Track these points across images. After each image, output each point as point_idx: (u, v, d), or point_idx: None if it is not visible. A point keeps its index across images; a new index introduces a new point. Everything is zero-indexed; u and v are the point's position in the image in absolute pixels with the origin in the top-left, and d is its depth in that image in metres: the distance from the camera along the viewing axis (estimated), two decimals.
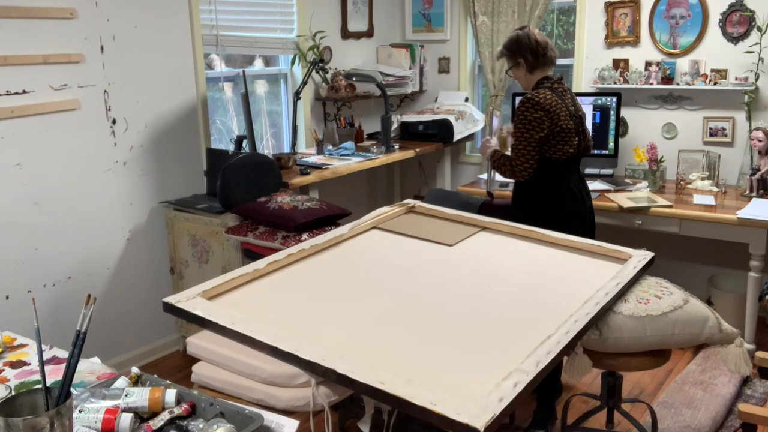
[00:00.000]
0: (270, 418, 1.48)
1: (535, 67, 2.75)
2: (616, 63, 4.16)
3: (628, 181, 4.01)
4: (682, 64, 3.96)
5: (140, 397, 1.48)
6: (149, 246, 3.54)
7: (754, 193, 3.60)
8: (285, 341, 1.61)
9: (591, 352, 2.04)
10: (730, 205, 3.49)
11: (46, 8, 2.95)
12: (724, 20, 3.81)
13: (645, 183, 3.90)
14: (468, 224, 2.63)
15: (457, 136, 4.46)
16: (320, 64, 4.12)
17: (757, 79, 3.73)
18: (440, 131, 4.45)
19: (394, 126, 4.58)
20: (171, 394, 1.50)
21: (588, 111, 4.07)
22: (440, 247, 2.39)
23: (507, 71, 2.89)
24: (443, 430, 1.39)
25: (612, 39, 4.16)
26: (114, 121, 3.29)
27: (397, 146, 4.34)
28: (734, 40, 3.81)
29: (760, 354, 2.54)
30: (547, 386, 2.82)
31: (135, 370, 1.64)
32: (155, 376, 1.65)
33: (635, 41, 4.10)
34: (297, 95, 4.05)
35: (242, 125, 3.73)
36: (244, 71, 3.70)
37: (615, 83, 4.12)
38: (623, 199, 3.58)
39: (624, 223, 3.60)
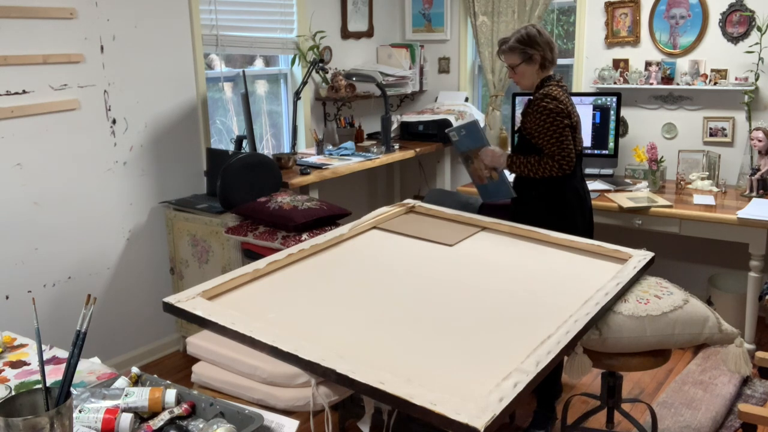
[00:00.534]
0: (270, 418, 1.48)
1: (546, 64, 2.73)
2: (616, 63, 4.16)
3: (628, 181, 4.01)
4: (682, 64, 3.96)
5: (140, 397, 1.48)
6: (149, 246, 3.54)
7: (754, 193, 3.60)
8: (285, 341, 1.61)
9: (591, 352, 2.04)
10: (730, 205, 3.49)
11: (46, 8, 2.95)
12: (724, 20, 3.81)
13: (645, 183, 3.90)
14: (468, 224, 2.63)
15: None
16: (320, 64, 4.12)
17: (757, 79, 3.73)
18: (440, 131, 4.45)
19: (394, 126, 4.58)
20: (171, 394, 1.50)
21: (588, 111, 4.07)
22: (440, 247, 2.39)
23: (514, 67, 2.74)
24: (443, 430, 1.39)
25: (612, 39, 4.16)
26: (114, 121, 3.29)
27: (397, 146, 4.34)
28: (734, 40, 3.81)
29: (760, 354, 2.54)
30: (547, 386, 2.82)
31: (135, 370, 1.64)
32: (155, 376, 1.65)
33: (635, 41, 4.10)
34: (297, 95, 4.05)
35: (242, 125, 3.73)
36: (244, 71, 3.70)
37: (615, 83, 4.12)
38: (623, 199, 3.58)
39: (624, 223, 3.60)
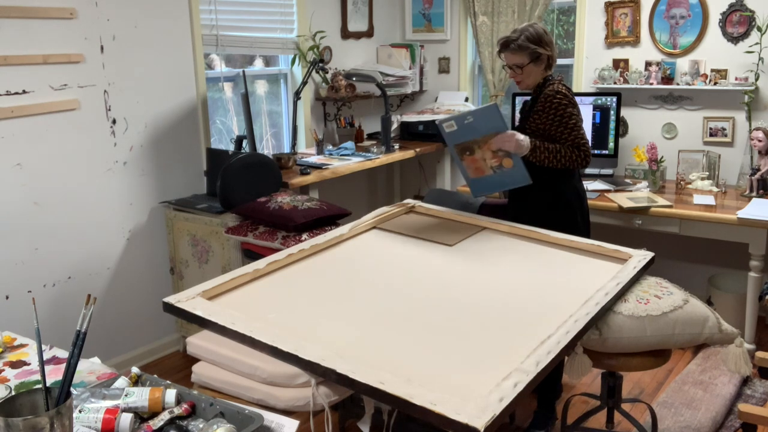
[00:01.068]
0: (270, 418, 1.48)
1: (551, 64, 2.69)
2: (616, 63, 4.16)
3: (628, 181, 4.01)
4: (682, 64, 3.96)
5: (140, 397, 1.48)
6: (149, 246, 3.54)
7: (754, 193, 3.60)
8: (285, 341, 1.61)
9: (591, 352, 2.04)
10: (730, 205, 3.48)
11: (46, 8, 2.95)
12: (724, 20, 3.81)
13: (645, 183, 3.90)
14: (468, 224, 2.63)
15: None
16: (320, 64, 4.12)
17: (757, 79, 3.73)
18: (440, 131, 4.44)
19: (394, 126, 4.58)
20: (171, 394, 1.50)
21: (588, 111, 4.07)
22: (440, 247, 2.39)
23: (522, 67, 2.65)
24: (443, 430, 1.39)
25: (612, 39, 4.16)
26: (114, 121, 3.29)
27: (397, 146, 4.34)
28: (734, 40, 3.81)
29: (760, 354, 2.54)
30: (547, 387, 2.82)
31: (135, 370, 1.64)
32: (155, 376, 1.65)
33: (635, 41, 4.10)
34: (297, 95, 4.05)
35: (242, 125, 3.73)
36: (244, 71, 3.70)
37: (615, 83, 4.12)
38: (623, 199, 3.58)
39: (624, 223, 3.60)
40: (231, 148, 3.74)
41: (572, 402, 2.83)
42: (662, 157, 3.88)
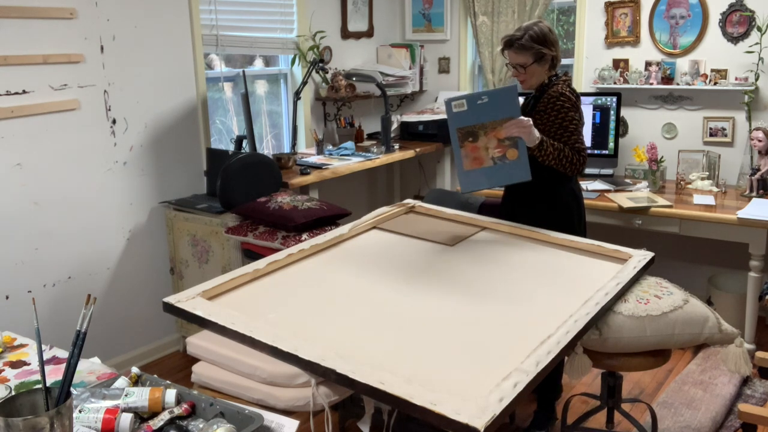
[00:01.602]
0: (270, 418, 1.48)
1: (555, 63, 2.62)
2: (616, 63, 4.16)
3: (628, 181, 4.01)
4: (682, 64, 3.96)
5: (140, 397, 1.48)
6: (149, 246, 3.54)
7: (754, 193, 3.60)
8: (285, 341, 1.61)
9: (591, 352, 2.04)
10: (730, 205, 3.48)
11: (46, 8, 2.95)
12: (724, 20, 3.81)
13: (645, 183, 3.90)
14: (468, 224, 2.63)
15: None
16: (320, 64, 4.12)
17: (757, 79, 3.73)
18: (440, 131, 4.45)
19: (394, 126, 4.58)
20: (171, 394, 1.50)
21: (588, 111, 4.07)
22: (440, 247, 2.39)
23: (525, 66, 2.59)
24: (443, 430, 1.39)
25: (612, 39, 4.16)
26: (114, 121, 3.29)
27: (397, 146, 4.34)
28: (734, 40, 3.81)
29: (760, 354, 2.54)
30: (547, 386, 2.82)
31: (135, 370, 1.64)
32: (155, 376, 1.65)
33: (635, 41, 4.10)
34: (297, 95, 4.05)
35: (242, 125, 3.73)
36: (244, 71, 3.70)
37: (615, 83, 4.12)
38: (623, 199, 3.58)
39: (624, 223, 3.60)
40: (231, 148, 3.74)
41: (572, 402, 2.83)
42: (662, 157, 3.88)
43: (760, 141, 3.55)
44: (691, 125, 4.02)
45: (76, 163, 3.16)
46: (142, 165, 3.44)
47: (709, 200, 3.56)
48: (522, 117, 2.42)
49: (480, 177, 2.49)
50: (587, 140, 4.03)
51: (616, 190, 3.80)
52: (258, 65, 4.30)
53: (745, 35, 3.76)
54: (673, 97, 4.05)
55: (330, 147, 4.21)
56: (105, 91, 3.23)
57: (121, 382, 1.60)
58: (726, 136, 3.91)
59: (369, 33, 4.84)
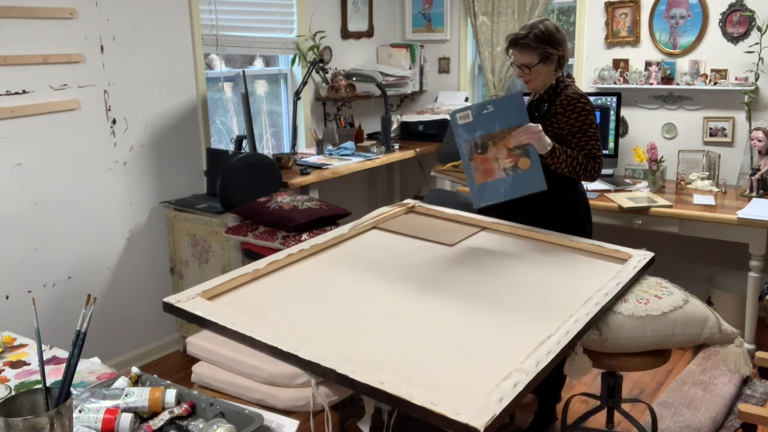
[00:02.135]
0: (270, 418, 1.48)
1: (562, 63, 2.53)
2: (616, 63, 4.16)
3: (628, 181, 4.01)
4: (682, 64, 3.96)
5: (140, 397, 1.48)
6: (149, 246, 3.54)
7: (754, 193, 3.60)
8: (285, 341, 1.61)
9: (591, 352, 2.04)
10: (730, 205, 3.48)
11: (46, 8, 2.95)
12: (724, 20, 3.81)
13: (645, 183, 3.90)
14: (468, 224, 2.63)
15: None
16: (320, 64, 4.12)
17: (757, 79, 3.73)
18: (440, 131, 4.45)
19: (394, 126, 4.58)
20: (171, 394, 1.50)
21: None
22: (440, 247, 2.39)
23: (530, 67, 2.48)
24: (443, 430, 1.39)
25: (612, 39, 4.16)
26: (114, 121, 3.29)
27: (397, 146, 4.35)
28: (734, 40, 3.81)
29: (760, 354, 2.54)
30: (548, 387, 2.81)
31: (135, 370, 1.64)
32: (155, 376, 1.65)
33: (635, 41, 4.10)
34: (297, 95, 4.05)
35: (242, 125, 3.73)
36: (244, 71, 3.70)
37: (615, 83, 4.12)
38: (623, 199, 3.58)
39: (624, 223, 3.60)
40: (231, 148, 3.74)
41: (572, 402, 2.83)
42: (662, 157, 3.88)
43: (760, 141, 3.55)
44: (691, 125, 4.02)
45: (76, 163, 3.16)
46: (142, 165, 3.44)
47: (709, 200, 3.56)
48: (531, 123, 2.32)
49: (493, 189, 2.36)
50: None
51: (616, 190, 3.80)
52: (258, 65, 4.31)
53: (745, 35, 3.76)
54: (673, 97, 4.05)
55: (330, 147, 4.21)
56: (105, 91, 3.23)
57: (121, 382, 1.60)
58: (726, 136, 3.91)
59: (369, 33, 4.84)
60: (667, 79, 3.98)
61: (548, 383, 2.75)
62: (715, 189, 3.76)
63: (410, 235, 2.49)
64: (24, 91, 2.93)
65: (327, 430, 1.81)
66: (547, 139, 2.36)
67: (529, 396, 2.70)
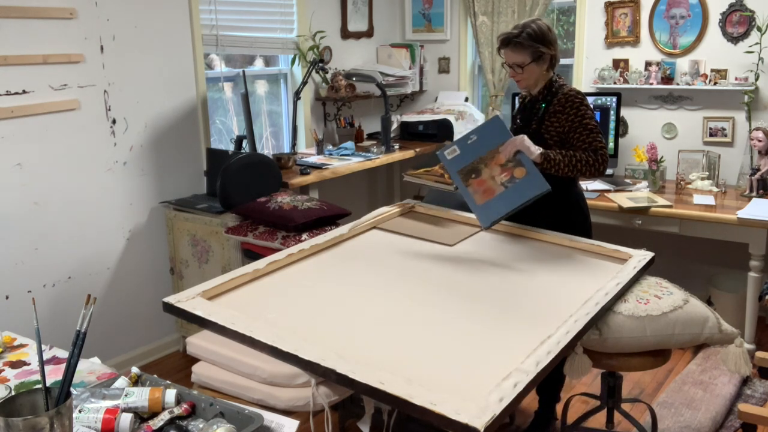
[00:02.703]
0: (270, 418, 1.48)
1: (554, 64, 2.54)
2: (616, 63, 4.16)
3: (628, 181, 4.01)
4: (682, 64, 3.96)
5: (140, 397, 1.48)
6: (149, 246, 3.54)
7: (754, 193, 3.60)
8: (285, 341, 1.61)
9: (591, 352, 2.04)
10: (730, 205, 3.49)
11: (46, 8, 2.95)
12: (724, 20, 3.81)
13: (645, 183, 3.90)
14: (468, 224, 2.63)
15: (456, 137, 4.45)
16: (320, 64, 4.12)
17: (757, 79, 3.73)
18: (440, 131, 4.45)
19: (394, 126, 4.58)
20: (171, 394, 1.50)
21: None
22: (440, 247, 2.39)
23: (523, 66, 2.49)
24: (443, 430, 1.39)
25: (612, 39, 4.16)
26: (114, 121, 3.29)
27: (397, 146, 4.34)
28: (734, 40, 3.81)
29: (760, 354, 2.54)
30: (548, 387, 2.81)
31: (135, 370, 1.64)
32: (155, 376, 1.65)
33: (635, 41, 4.10)
34: (297, 95, 4.05)
35: (242, 125, 3.73)
36: (244, 71, 3.70)
37: (615, 83, 4.12)
38: (623, 199, 3.58)
39: (624, 223, 3.60)
40: (231, 148, 3.74)
41: (572, 402, 2.83)
42: (662, 157, 3.88)
43: (760, 141, 3.55)
44: (691, 125, 4.02)
45: (76, 163, 3.16)
46: (142, 165, 3.44)
47: (709, 200, 3.56)
48: (513, 138, 2.38)
49: (496, 205, 2.34)
50: None
51: (616, 190, 3.80)
52: (258, 65, 4.31)
53: (745, 35, 3.76)
54: (673, 97, 4.05)
55: (330, 147, 4.21)
56: (105, 91, 3.23)
57: (121, 382, 1.60)
58: (726, 136, 3.91)
59: (369, 33, 4.84)
60: (667, 79, 3.98)
61: (548, 383, 2.75)
62: (715, 189, 3.76)
63: (410, 235, 2.49)
64: (24, 91, 2.93)
65: (327, 430, 1.81)
66: (535, 146, 2.38)
67: (529, 396, 2.70)
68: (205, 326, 1.77)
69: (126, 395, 1.48)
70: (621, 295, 2.07)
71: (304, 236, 2.97)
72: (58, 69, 3.03)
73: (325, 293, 2.00)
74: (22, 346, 1.97)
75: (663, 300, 2.09)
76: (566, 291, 2.05)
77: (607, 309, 1.99)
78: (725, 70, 3.83)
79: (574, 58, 4.34)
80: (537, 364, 1.55)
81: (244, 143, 3.63)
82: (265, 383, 1.89)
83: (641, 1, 4.04)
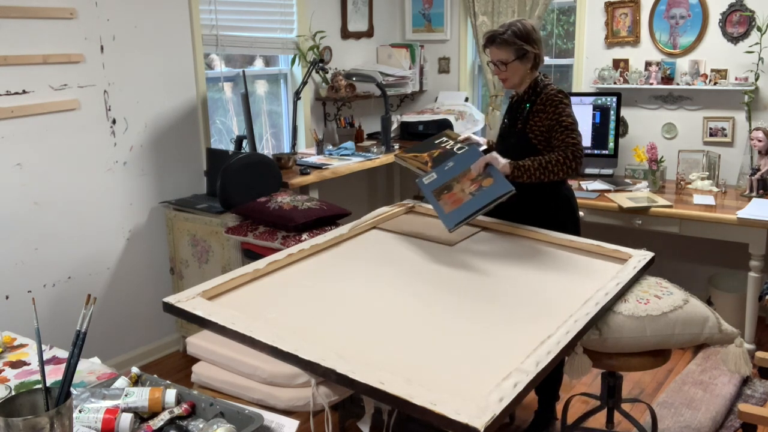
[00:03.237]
0: (270, 418, 1.48)
1: (538, 63, 2.57)
2: (616, 63, 4.16)
3: (628, 181, 4.01)
4: (682, 64, 3.96)
5: (140, 397, 1.48)
6: (149, 246, 3.54)
7: (754, 193, 3.60)
8: (285, 341, 1.61)
9: (591, 352, 2.04)
10: (730, 205, 3.49)
11: (46, 8, 2.95)
12: (724, 20, 3.81)
13: (645, 183, 3.90)
14: (468, 224, 2.63)
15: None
16: (320, 64, 4.12)
17: (757, 79, 3.73)
18: (440, 131, 4.44)
19: (394, 126, 4.58)
20: (171, 394, 1.50)
21: (588, 111, 4.07)
22: (440, 247, 2.39)
23: (506, 63, 2.53)
24: (443, 430, 1.39)
25: (612, 39, 4.16)
26: (114, 121, 3.29)
27: (397, 146, 4.34)
28: (734, 40, 3.81)
29: (760, 354, 2.54)
30: (548, 387, 2.81)
31: (135, 370, 1.64)
32: (155, 376, 1.65)
33: (635, 41, 4.10)
34: (297, 95, 4.05)
35: (242, 125, 3.73)
36: (244, 71, 3.70)
37: (615, 83, 4.12)
38: (623, 199, 3.58)
39: (624, 223, 3.60)
40: (231, 148, 3.74)
41: (572, 402, 2.83)
42: (662, 157, 3.88)
43: (760, 141, 3.55)
44: (691, 125, 4.02)
45: (76, 163, 3.16)
46: (142, 165, 3.44)
47: (709, 200, 3.56)
48: (483, 156, 2.45)
49: (464, 209, 2.36)
50: (587, 141, 4.04)
51: (616, 190, 3.80)
52: (258, 65, 4.31)
53: (745, 35, 3.77)
54: (673, 97, 4.05)
55: (330, 147, 4.21)
56: (105, 91, 3.23)
57: (121, 382, 1.60)
58: (726, 136, 3.91)
59: (369, 33, 4.84)
60: (667, 79, 3.98)
61: (546, 383, 2.75)
62: (715, 189, 3.76)
63: (410, 235, 2.49)
64: (24, 91, 2.93)
65: (327, 430, 1.81)
66: (503, 158, 2.41)
67: (529, 396, 2.70)
68: (205, 326, 1.77)
69: (126, 395, 1.48)
70: (621, 295, 2.07)
71: (304, 236, 2.97)
72: (58, 69, 3.03)
73: (325, 293, 2.00)
74: (22, 346, 1.97)
75: (663, 300, 2.09)
76: (566, 291, 2.05)
77: (607, 309, 1.99)
78: (725, 70, 3.83)
79: (574, 58, 4.34)
80: (537, 364, 1.55)
81: (244, 143, 3.63)
82: (265, 383, 1.89)
83: (641, 1, 4.04)
